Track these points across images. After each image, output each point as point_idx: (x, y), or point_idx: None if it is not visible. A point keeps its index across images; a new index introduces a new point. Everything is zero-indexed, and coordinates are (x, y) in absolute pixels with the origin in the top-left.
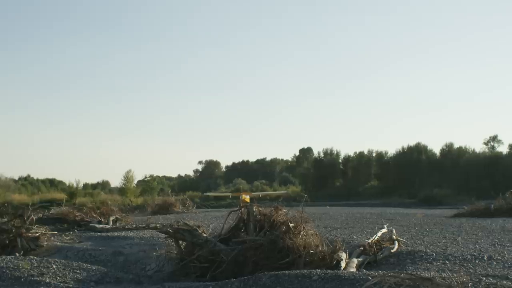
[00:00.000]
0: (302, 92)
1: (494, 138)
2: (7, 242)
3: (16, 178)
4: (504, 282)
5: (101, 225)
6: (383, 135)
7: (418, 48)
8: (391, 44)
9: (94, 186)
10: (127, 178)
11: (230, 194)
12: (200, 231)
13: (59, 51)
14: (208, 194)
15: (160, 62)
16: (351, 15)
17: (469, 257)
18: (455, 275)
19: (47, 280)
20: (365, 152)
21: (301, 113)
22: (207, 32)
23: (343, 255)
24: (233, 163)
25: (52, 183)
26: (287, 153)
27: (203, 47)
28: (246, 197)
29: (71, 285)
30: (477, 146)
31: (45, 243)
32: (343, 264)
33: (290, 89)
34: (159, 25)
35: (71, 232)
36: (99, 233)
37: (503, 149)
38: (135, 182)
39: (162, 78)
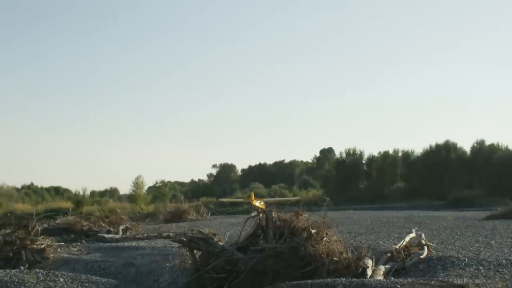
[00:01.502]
0: (322, 89)
1: None
2: (11, 254)
3: (19, 187)
4: None
5: (110, 235)
6: (409, 133)
7: (445, 42)
8: (416, 39)
9: (102, 194)
10: (137, 184)
11: (242, 199)
12: (216, 240)
13: (61, 52)
14: (223, 199)
15: (168, 62)
16: (372, 9)
17: (504, 262)
18: (489, 281)
19: None
20: (391, 152)
21: (321, 111)
22: (217, 30)
23: (369, 262)
24: (250, 166)
25: (57, 191)
26: (307, 154)
27: (215, 45)
28: (259, 203)
29: None
30: (511, 142)
31: (51, 255)
32: (369, 272)
33: (309, 87)
34: (166, 23)
35: (79, 243)
36: (108, 244)
37: None
38: (146, 188)
39: (171, 79)
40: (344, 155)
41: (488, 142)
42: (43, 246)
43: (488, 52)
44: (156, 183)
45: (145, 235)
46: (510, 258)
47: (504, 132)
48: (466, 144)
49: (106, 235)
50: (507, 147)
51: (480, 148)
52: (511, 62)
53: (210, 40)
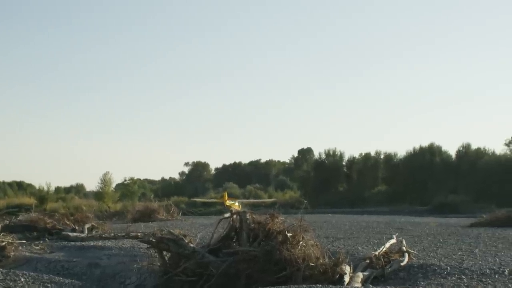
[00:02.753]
0: (301, 86)
1: None
2: None
3: None
4: None
5: (75, 234)
6: (392, 135)
7: (430, 36)
8: (400, 32)
9: (67, 190)
10: (105, 181)
11: (215, 199)
12: (186, 241)
13: (26, 42)
14: (195, 199)
15: (139, 54)
16: (354, 4)
17: (487, 271)
18: None
19: None
20: (372, 154)
21: (300, 109)
22: (194, 23)
23: (347, 269)
24: (224, 165)
25: (20, 187)
26: (284, 154)
27: (190, 38)
28: (234, 203)
29: None
30: (498, 147)
31: (12, 253)
32: (346, 279)
33: (287, 83)
34: (138, 14)
35: (42, 241)
36: (72, 243)
37: None
38: (114, 185)
39: (143, 72)
40: (323, 156)
41: (474, 146)
42: (3, 243)
43: (475, 52)
44: (125, 180)
45: (112, 234)
46: (494, 267)
47: (490, 137)
48: (451, 148)
49: (70, 234)
50: (493, 152)
51: (465, 152)
52: (500, 57)
53: (184, 33)
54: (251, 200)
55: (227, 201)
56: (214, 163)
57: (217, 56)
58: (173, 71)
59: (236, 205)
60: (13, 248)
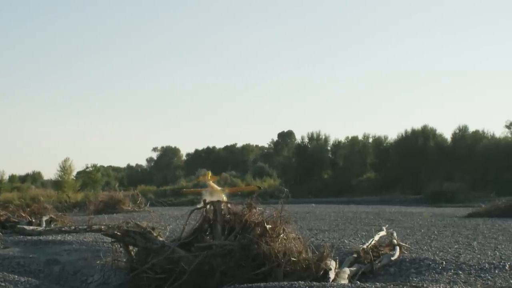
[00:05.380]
0: (281, 63)
1: None
2: None
3: None
4: None
5: (31, 227)
6: (382, 116)
7: (421, 13)
8: (391, 9)
9: (23, 179)
10: (64, 168)
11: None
12: (155, 234)
13: None
14: (186, 190)
15: (103, 31)
16: None
17: (486, 266)
18: (469, 287)
19: None
20: (360, 137)
21: (280, 89)
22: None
23: (332, 264)
24: (196, 150)
25: None
26: (263, 138)
27: (158, 13)
28: (216, 188)
29: None
30: (497, 129)
31: None
32: (332, 275)
33: (266, 60)
34: None
35: None
36: (29, 237)
37: None
38: (74, 173)
39: (106, 49)
40: (306, 140)
41: (471, 129)
42: None
43: (473, 21)
44: (87, 167)
45: (73, 227)
46: (494, 261)
47: (490, 118)
48: (446, 131)
49: (26, 227)
50: (493, 134)
51: (462, 136)
52: (503, 28)
53: (154, 8)
54: (236, 188)
55: (210, 180)
56: (186, 148)
57: (187, 32)
58: (139, 48)
59: (218, 190)
60: None
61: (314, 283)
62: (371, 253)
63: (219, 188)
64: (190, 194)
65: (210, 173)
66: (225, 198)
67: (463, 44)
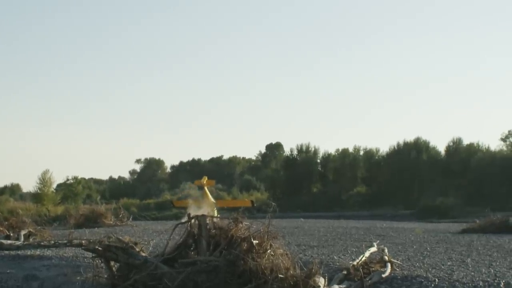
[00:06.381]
0: (270, 71)
1: None
2: None
3: None
4: None
5: (9, 241)
6: (373, 128)
7: (414, 11)
8: (385, 4)
9: (1, 191)
10: (44, 181)
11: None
12: (137, 249)
13: None
14: (179, 204)
15: (84, 40)
16: None
17: (481, 284)
18: None
19: None
20: (350, 150)
21: (268, 99)
22: (149, 4)
23: (321, 281)
24: (181, 163)
25: None
26: (250, 150)
27: (139, 20)
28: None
29: None
30: (493, 142)
31: None
32: None
33: (253, 68)
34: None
35: None
36: (6, 252)
37: None
38: (54, 186)
39: (87, 59)
40: (294, 152)
41: (466, 142)
42: None
43: (464, 38)
44: (67, 179)
45: (52, 242)
46: (488, 279)
47: (485, 131)
48: (440, 143)
49: (4, 241)
50: (488, 147)
51: (456, 149)
52: (496, 43)
53: (135, 15)
54: (228, 201)
55: (206, 184)
56: (170, 160)
57: (172, 42)
58: (121, 57)
59: (211, 201)
60: None
61: None
62: (361, 270)
63: (212, 200)
64: (180, 207)
65: (206, 178)
66: (216, 212)
67: (458, 54)
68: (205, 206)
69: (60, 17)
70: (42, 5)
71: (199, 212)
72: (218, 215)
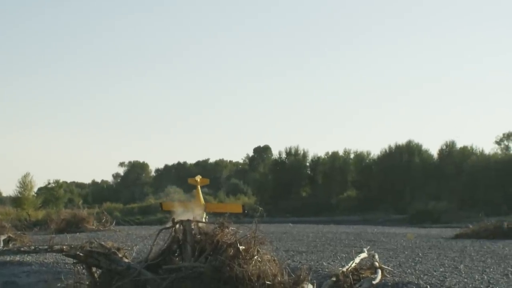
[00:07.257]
0: (258, 72)
1: (509, 136)
2: None
3: None
4: None
5: None
6: (364, 131)
7: (405, 8)
8: (373, 4)
9: None
10: (24, 184)
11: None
12: (120, 255)
13: None
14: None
15: (67, 38)
16: None
17: None
18: None
19: None
20: (340, 153)
21: (256, 100)
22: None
23: (310, 287)
24: (166, 166)
25: None
26: (237, 153)
27: (127, 16)
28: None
29: None
30: (487, 146)
31: None
32: None
33: (241, 69)
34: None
35: None
36: None
37: None
38: (35, 190)
39: (70, 57)
40: (283, 155)
41: (459, 145)
42: None
43: (457, 40)
44: (49, 183)
45: (32, 247)
46: (481, 286)
47: (479, 134)
48: (432, 146)
49: None
50: (482, 151)
51: (449, 152)
52: (492, 42)
53: (122, 13)
54: (218, 205)
55: (200, 182)
56: (155, 163)
57: (156, 43)
58: (104, 57)
59: (202, 202)
60: None
61: None
62: (351, 277)
63: (202, 202)
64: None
65: (200, 176)
66: (205, 216)
67: (450, 56)
68: (195, 207)
69: (38, 19)
70: (22, 5)
71: (188, 216)
72: (206, 217)
